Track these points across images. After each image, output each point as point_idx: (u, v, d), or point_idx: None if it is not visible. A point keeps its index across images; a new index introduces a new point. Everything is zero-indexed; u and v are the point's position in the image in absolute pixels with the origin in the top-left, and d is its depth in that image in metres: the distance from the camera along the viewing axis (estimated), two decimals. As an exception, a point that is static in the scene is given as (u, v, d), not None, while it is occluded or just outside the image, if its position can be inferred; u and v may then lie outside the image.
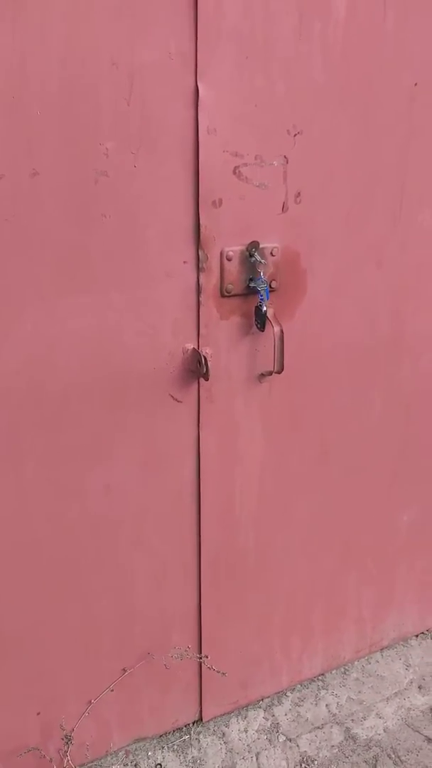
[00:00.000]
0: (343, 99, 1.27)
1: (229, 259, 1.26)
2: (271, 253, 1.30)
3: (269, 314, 1.30)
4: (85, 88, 1.04)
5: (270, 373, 1.37)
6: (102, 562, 1.36)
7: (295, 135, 1.25)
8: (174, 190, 1.17)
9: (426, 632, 1.96)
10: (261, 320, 1.31)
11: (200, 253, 1.23)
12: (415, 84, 1.33)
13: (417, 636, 1.95)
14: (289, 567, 1.60)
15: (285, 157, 1.25)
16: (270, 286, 1.31)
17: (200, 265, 1.24)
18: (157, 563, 1.42)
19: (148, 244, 1.18)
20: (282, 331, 1.30)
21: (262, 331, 1.32)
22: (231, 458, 1.42)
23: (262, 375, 1.39)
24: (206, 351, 1.30)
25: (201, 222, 1.20)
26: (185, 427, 1.35)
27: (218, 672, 1.54)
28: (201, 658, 1.54)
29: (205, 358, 1.26)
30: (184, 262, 1.23)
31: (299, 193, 1.29)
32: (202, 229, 1.21)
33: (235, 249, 1.26)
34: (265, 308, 1.29)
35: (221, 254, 1.25)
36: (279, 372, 1.33)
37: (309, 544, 1.61)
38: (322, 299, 1.40)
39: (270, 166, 1.25)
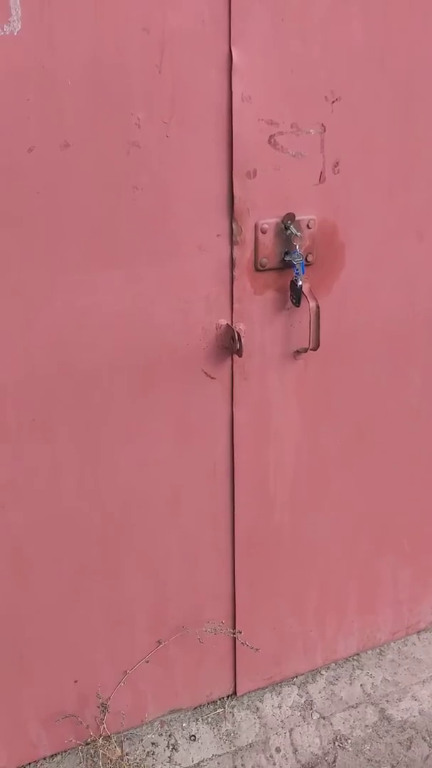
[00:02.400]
0: (384, 63, 1.21)
1: (263, 232, 1.23)
2: (308, 226, 1.27)
3: (305, 289, 1.27)
4: (115, 55, 1.02)
5: (305, 350, 1.34)
6: (135, 539, 1.37)
7: (333, 102, 1.20)
8: (207, 160, 1.14)
9: (465, 616, 1.92)
10: (296, 295, 1.28)
11: (234, 225, 1.20)
12: (462, 43, 1.26)
13: (456, 619, 1.91)
14: (324, 546, 1.59)
15: (322, 125, 1.21)
16: (306, 260, 1.27)
17: (234, 239, 1.21)
18: (190, 541, 1.42)
19: (179, 217, 1.16)
20: (318, 307, 1.27)
21: (298, 306, 1.29)
22: (265, 436, 1.41)
23: (297, 351, 1.36)
24: (240, 327, 1.28)
25: (235, 193, 1.18)
26: (218, 405, 1.34)
27: (251, 648, 1.55)
28: (235, 633, 1.55)
29: (239, 334, 1.24)
30: (217, 235, 1.21)
31: (337, 163, 1.24)
32: (235, 201, 1.18)
33: (270, 221, 1.23)
34: (300, 283, 1.26)
35: (255, 227, 1.22)
36: (315, 349, 1.30)
37: (344, 524, 1.59)
38: (361, 273, 1.36)
39: (306, 135, 1.20)
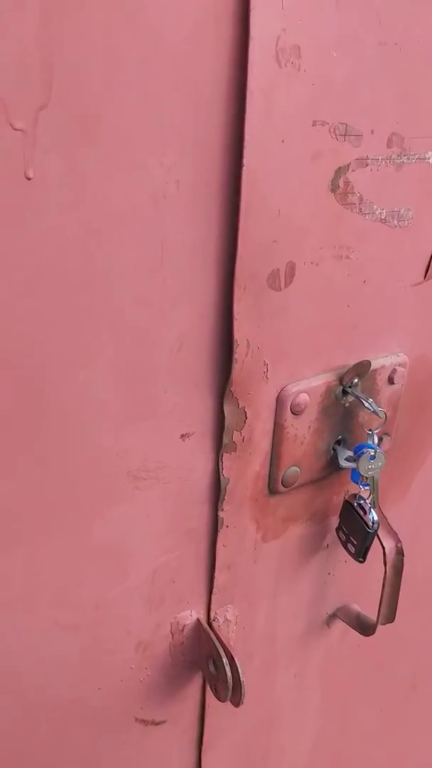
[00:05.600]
0: None
1: (296, 413, 0.48)
2: (390, 379, 0.53)
3: (378, 517, 0.54)
4: None
5: (365, 626, 0.62)
6: None
7: None
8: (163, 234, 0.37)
9: None
10: (357, 529, 0.55)
11: (227, 408, 0.44)
12: None
13: None
14: None
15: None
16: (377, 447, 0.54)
17: (223, 440, 0.45)
18: None
19: (89, 403, 0.38)
20: (402, 551, 0.55)
21: (363, 561, 0.56)
22: (259, 766, 0.69)
23: (333, 617, 0.65)
24: (226, 621, 0.54)
25: (235, 331, 0.41)
26: (171, 756, 0.59)
27: None
28: None
29: (230, 657, 0.49)
30: (183, 435, 0.44)
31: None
32: (236, 350, 0.42)
33: (313, 384, 0.48)
34: (369, 505, 0.54)
35: (278, 403, 0.47)
36: (389, 622, 0.58)
37: None
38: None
39: (419, 163, 0.46)
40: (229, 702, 0.51)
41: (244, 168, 0.37)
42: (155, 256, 0.37)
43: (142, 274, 0.37)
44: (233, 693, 0.49)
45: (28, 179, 0.31)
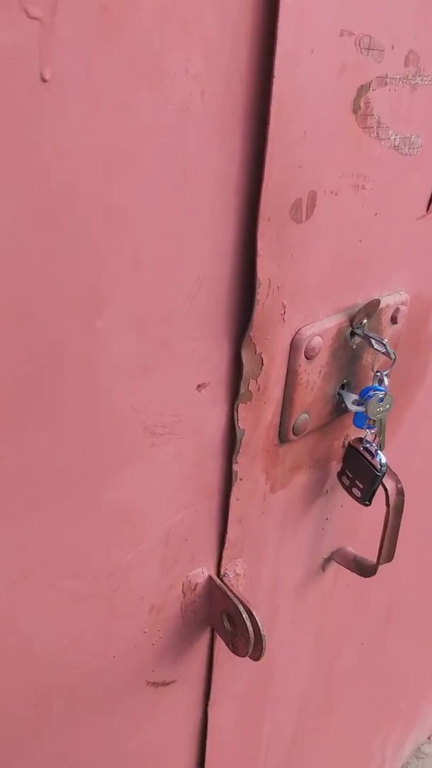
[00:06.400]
0: None
1: (311, 356, 0.45)
2: (393, 319, 0.52)
3: (384, 459, 0.53)
4: None
5: (372, 568, 0.62)
6: None
7: None
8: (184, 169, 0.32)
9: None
10: (363, 473, 0.54)
11: (245, 354, 0.41)
12: None
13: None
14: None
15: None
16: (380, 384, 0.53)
17: (240, 389, 0.42)
18: None
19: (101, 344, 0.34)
20: (402, 492, 0.55)
21: (368, 503, 0.55)
22: (260, 712, 0.70)
23: (328, 561, 0.65)
24: (237, 575, 0.52)
25: (258, 261, 0.38)
26: (177, 716, 0.58)
27: None
28: None
29: (249, 612, 0.48)
30: (199, 386, 0.41)
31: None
32: (258, 290, 0.39)
33: (327, 326, 0.45)
34: (376, 448, 0.53)
35: (292, 347, 0.44)
36: (387, 561, 0.59)
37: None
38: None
39: (431, 86, 0.43)
40: (234, 656, 0.50)
41: (274, 80, 0.33)
42: (177, 181, 0.33)
43: (163, 202, 0.33)
44: (254, 647, 0.48)
45: (44, 81, 0.26)
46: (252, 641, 0.48)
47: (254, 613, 0.48)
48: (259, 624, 0.48)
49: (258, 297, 0.39)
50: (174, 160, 0.32)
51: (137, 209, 0.32)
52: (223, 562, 0.51)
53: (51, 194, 0.29)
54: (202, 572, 0.50)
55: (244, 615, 0.48)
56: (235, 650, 0.50)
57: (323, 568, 0.65)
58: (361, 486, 0.54)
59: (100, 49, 0.27)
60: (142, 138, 0.30)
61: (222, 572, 0.51)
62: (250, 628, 0.48)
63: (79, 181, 0.29)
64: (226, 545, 0.49)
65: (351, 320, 0.47)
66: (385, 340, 0.47)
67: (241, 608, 0.48)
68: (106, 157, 0.30)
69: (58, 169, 0.28)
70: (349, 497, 0.56)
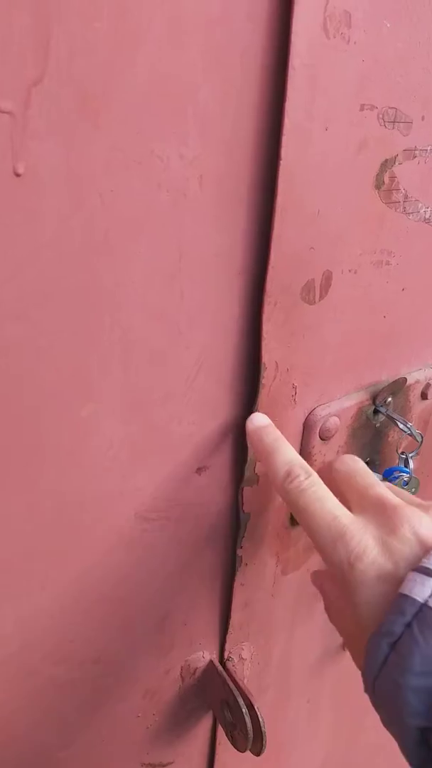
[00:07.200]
0: None
1: (326, 437, 0.42)
2: (423, 395, 0.48)
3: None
4: None
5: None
6: None
7: None
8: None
9: None
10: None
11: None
12: None
13: None
14: None
15: None
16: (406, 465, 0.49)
17: (246, 471, 0.40)
18: None
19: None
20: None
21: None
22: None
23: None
24: (241, 657, 0.49)
25: (264, 345, 0.35)
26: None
27: None
28: None
29: (250, 706, 0.45)
30: (198, 469, 0.38)
31: None
32: (264, 374, 0.36)
33: (345, 405, 0.42)
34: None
35: (305, 427, 0.41)
36: None
37: None
38: None
39: (470, 155, 0.39)
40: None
41: (281, 161, 0.30)
42: (172, 266, 0.31)
43: (156, 287, 0.31)
44: (253, 744, 0.45)
45: (17, 176, 0.24)
46: (251, 738, 0.45)
47: (256, 707, 0.44)
48: (260, 719, 0.44)
49: (263, 381, 0.36)
50: (168, 246, 0.30)
51: (126, 295, 0.30)
52: (227, 646, 0.48)
53: (31, 286, 0.27)
54: (203, 656, 0.47)
55: (243, 710, 0.44)
56: (234, 743, 0.47)
57: (343, 646, 0.61)
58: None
59: (80, 139, 0.25)
60: (131, 226, 0.29)
61: (226, 656, 0.48)
62: (249, 724, 0.44)
63: (61, 271, 0.28)
64: (230, 629, 0.46)
65: (374, 398, 0.44)
66: (410, 423, 0.43)
67: (241, 701, 0.44)
68: (91, 247, 0.28)
69: (38, 261, 0.27)
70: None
